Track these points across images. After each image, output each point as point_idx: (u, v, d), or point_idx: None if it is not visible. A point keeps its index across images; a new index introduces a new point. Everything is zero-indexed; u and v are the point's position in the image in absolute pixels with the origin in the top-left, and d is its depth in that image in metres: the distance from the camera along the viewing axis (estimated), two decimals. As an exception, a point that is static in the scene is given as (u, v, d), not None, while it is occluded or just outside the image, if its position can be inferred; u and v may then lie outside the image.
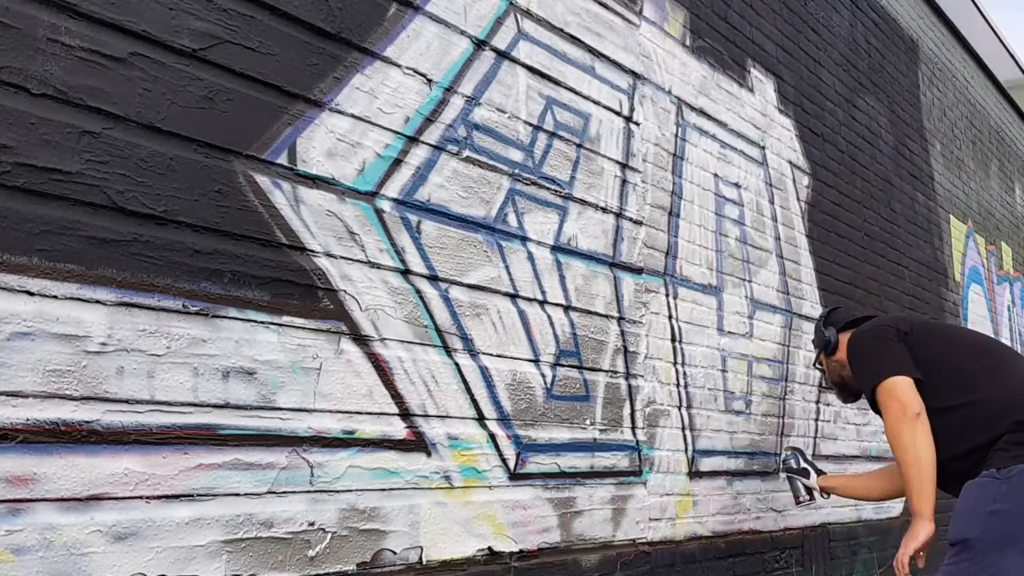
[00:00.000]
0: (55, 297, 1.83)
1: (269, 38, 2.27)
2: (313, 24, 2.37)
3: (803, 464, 3.85)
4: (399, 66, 2.60)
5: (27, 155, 1.81)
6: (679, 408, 3.67)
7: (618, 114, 3.49)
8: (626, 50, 3.56)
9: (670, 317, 3.67)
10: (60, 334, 1.83)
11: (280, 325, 2.22)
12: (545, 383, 2.99)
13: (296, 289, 2.26)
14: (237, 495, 2.09)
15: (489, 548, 2.71)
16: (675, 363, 3.68)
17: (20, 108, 1.81)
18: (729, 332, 4.07)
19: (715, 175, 4.10)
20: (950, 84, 7.47)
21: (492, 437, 2.76)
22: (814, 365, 3.56)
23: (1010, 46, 8.39)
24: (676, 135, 3.84)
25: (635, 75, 3.61)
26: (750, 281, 4.27)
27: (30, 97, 1.83)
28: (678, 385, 3.68)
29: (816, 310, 4.83)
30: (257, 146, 2.21)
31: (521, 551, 2.82)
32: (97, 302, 1.89)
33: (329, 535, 2.26)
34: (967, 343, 3.04)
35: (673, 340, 3.68)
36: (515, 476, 2.84)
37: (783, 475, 3.98)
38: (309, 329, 2.28)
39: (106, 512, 1.86)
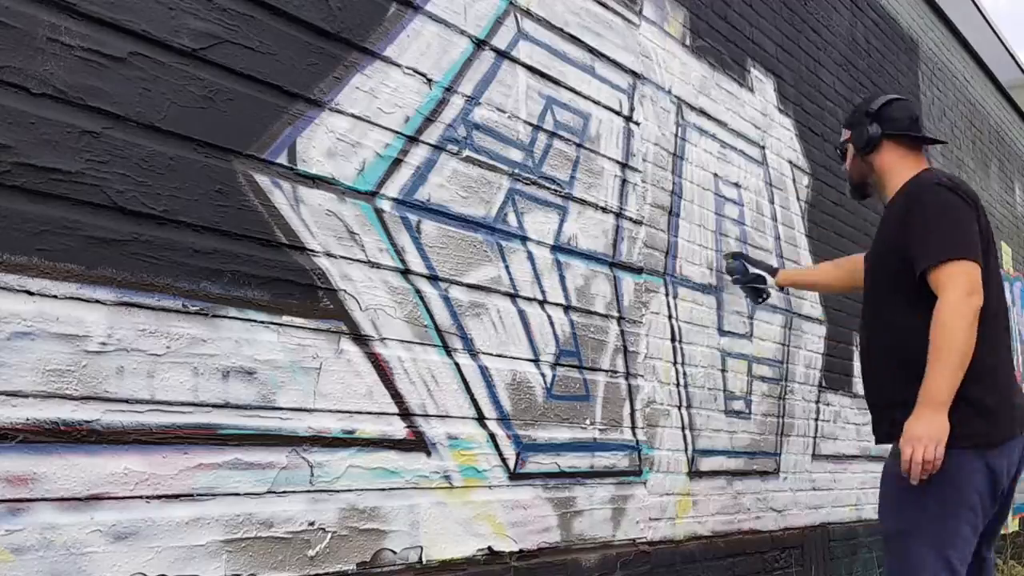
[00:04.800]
0: (55, 297, 1.82)
1: (269, 38, 2.27)
2: (313, 24, 2.37)
3: (753, 270, 3.82)
4: (399, 66, 2.60)
5: (27, 155, 1.81)
6: (679, 408, 3.66)
7: (618, 114, 3.49)
8: (626, 50, 3.56)
9: (670, 317, 3.67)
10: (60, 334, 1.83)
11: (280, 325, 2.22)
12: (545, 383, 2.99)
13: (296, 289, 2.26)
14: (237, 495, 2.09)
15: (489, 548, 2.71)
16: (675, 363, 3.68)
17: (20, 108, 1.81)
18: (729, 332, 4.07)
19: (715, 175, 4.10)
20: (950, 84, 7.47)
21: (492, 437, 2.76)
22: (837, 148, 3.16)
23: (1011, 47, 8.39)
24: (676, 135, 3.84)
25: (635, 75, 3.60)
26: (750, 281, 4.26)
27: (30, 97, 1.82)
28: (678, 385, 3.68)
29: (816, 310, 4.83)
30: (257, 146, 2.21)
31: (521, 551, 2.82)
32: (97, 302, 1.88)
33: (329, 535, 2.26)
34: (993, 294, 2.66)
35: (673, 340, 3.68)
36: (515, 476, 2.84)
37: (736, 284, 3.92)
38: (309, 329, 2.28)
39: (106, 512, 1.86)
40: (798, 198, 4.83)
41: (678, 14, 3.94)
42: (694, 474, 3.72)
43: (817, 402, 4.81)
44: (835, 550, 4.79)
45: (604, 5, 3.47)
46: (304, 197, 2.30)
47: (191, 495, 2.00)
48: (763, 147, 4.52)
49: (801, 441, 4.59)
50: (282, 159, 2.26)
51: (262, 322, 2.18)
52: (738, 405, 4.09)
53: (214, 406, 2.06)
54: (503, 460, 2.80)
